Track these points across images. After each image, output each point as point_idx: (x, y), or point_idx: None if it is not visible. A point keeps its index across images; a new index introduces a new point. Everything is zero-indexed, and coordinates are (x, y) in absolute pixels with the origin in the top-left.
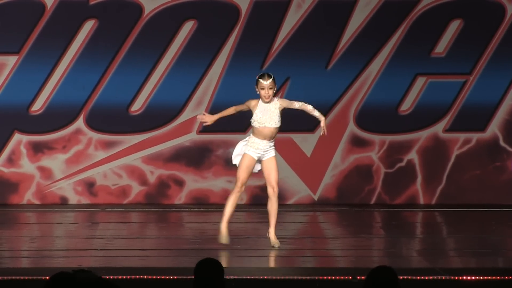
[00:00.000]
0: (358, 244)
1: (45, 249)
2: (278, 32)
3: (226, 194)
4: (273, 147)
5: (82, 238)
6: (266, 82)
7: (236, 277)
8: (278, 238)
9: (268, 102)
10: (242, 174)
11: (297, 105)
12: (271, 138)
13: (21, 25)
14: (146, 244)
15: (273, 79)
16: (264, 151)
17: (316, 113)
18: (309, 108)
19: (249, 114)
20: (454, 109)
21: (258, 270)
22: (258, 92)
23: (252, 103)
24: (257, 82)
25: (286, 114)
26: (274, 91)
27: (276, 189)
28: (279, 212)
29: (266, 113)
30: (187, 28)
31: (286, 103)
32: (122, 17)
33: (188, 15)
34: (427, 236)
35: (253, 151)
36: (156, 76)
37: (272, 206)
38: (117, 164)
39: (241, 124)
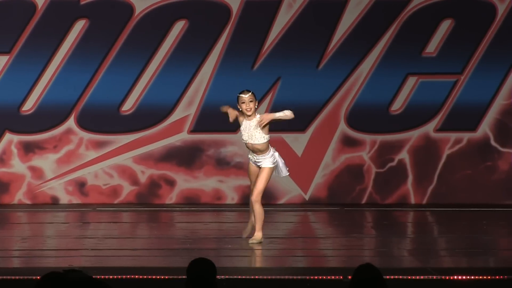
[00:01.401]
0: (349, 244)
1: (36, 249)
2: (269, 32)
3: (217, 194)
4: (266, 159)
5: (73, 238)
6: (245, 96)
7: (227, 276)
8: (269, 237)
9: (250, 117)
10: (250, 180)
11: (277, 115)
12: (258, 152)
13: (12, 24)
14: (137, 244)
15: (253, 93)
16: (258, 161)
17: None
18: (287, 113)
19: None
20: (445, 109)
21: (249, 270)
22: (240, 109)
23: (240, 117)
24: (237, 99)
25: None
26: (256, 106)
27: (255, 198)
28: (270, 212)
29: (246, 130)
30: (178, 28)
31: (268, 117)
32: (113, 17)
33: (179, 15)
34: (418, 236)
35: (252, 160)
36: (147, 76)
37: (254, 212)
38: (108, 164)
39: (233, 124)
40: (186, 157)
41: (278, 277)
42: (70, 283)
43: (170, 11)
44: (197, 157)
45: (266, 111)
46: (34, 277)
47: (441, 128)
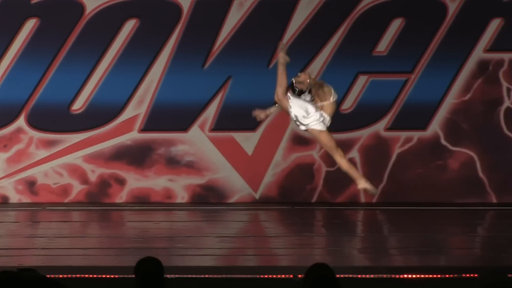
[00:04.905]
0: (300, 243)
1: None
2: (220, 30)
3: (167, 193)
4: None
5: (24, 237)
6: None
7: (177, 276)
8: (220, 236)
9: None
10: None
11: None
12: None
13: None
14: (88, 243)
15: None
16: None
17: None
18: None
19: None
20: (396, 108)
21: (199, 269)
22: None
23: None
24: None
25: (227, 113)
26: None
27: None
28: (220, 211)
29: None
30: (129, 26)
31: None
32: (64, 15)
33: (130, 13)
34: (368, 235)
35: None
36: (97, 74)
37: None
38: (58, 163)
39: (183, 123)
40: (137, 156)
41: (228, 276)
42: (23, 282)
43: (121, 10)
44: (148, 156)
45: (216, 111)
46: None
47: (392, 127)
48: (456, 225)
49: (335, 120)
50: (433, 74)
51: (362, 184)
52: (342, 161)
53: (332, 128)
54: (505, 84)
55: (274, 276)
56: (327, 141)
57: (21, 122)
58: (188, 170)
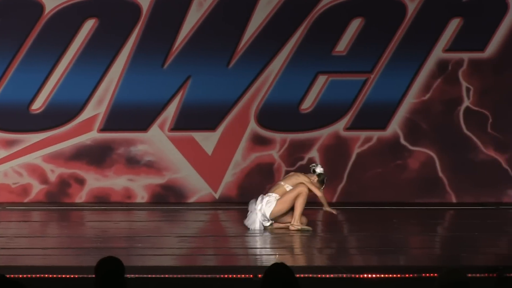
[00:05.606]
0: (260, 242)
1: None
2: (180, 30)
3: (127, 193)
4: None
5: None
6: None
7: (137, 275)
8: (180, 236)
9: None
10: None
11: None
12: None
13: None
14: (48, 243)
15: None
16: None
17: None
18: None
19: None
20: (355, 108)
21: (159, 269)
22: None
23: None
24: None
25: (187, 112)
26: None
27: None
28: (180, 211)
29: None
30: (88, 26)
31: None
32: (23, 15)
33: (89, 13)
34: (328, 234)
35: None
36: (57, 74)
37: None
38: (17, 163)
39: (143, 123)
40: (96, 156)
41: (188, 275)
42: None
43: (80, 10)
44: (107, 156)
45: (176, 111)
46: None
47: (351, 127)
48: (415, 224)
49: (296, 120)
50: (393, 73)
51: (296, 226)
52: (302, 197)
53: (292, 128)
54: (464, 84)
55: (234, 275)
56: (290, 196)
57: None
58: (147, 170)
